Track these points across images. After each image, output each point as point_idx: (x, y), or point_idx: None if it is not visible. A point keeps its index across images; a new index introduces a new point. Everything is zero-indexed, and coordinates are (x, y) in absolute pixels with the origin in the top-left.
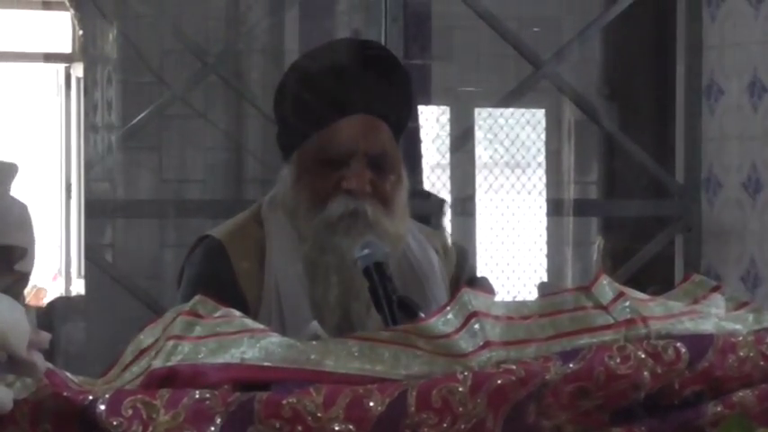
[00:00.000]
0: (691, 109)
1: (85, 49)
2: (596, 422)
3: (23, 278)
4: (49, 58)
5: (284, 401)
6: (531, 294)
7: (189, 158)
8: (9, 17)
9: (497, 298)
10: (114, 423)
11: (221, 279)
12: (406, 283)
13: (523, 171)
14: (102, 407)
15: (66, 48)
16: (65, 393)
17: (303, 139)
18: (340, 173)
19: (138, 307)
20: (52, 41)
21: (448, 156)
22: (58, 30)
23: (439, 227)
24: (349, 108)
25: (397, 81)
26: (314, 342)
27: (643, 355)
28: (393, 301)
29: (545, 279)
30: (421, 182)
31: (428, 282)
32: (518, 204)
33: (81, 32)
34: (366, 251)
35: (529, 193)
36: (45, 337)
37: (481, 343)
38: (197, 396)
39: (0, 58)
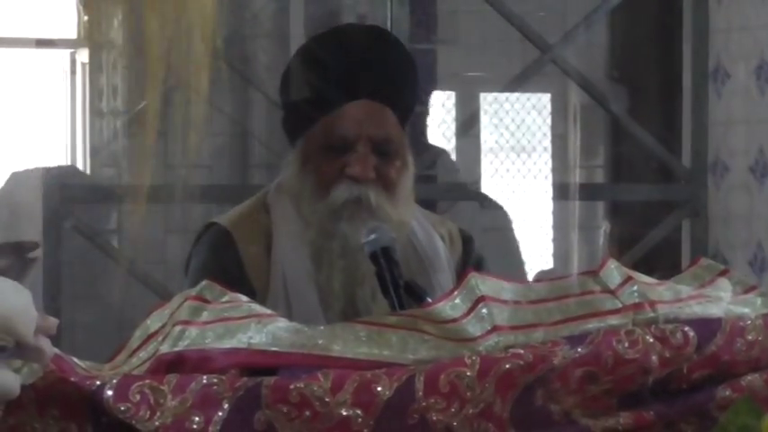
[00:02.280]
0: (697, 93)
1: (91, 35)
2: (604, 406)
3: (27, 261)
4: (54, 43)
5: (292, 386)
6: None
7: (194, 144)
8: (14, 2)
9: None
10: (122, 408)
11: (228, 266)
12: (412, 269)
13: (529, 155)
14: (110, 392)
15: (72, 33)
16: (72, 379)
17: (308, 125)
18: (344, 158)
19: (144, 292)
20: (57, 27)
21: (453, 140)
22: (63, 15)
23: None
24: (354, 93)
25: (403, 66)
26: (321, 327)
27: (651, 340)
28: (400, 285)
29: (551, 264)
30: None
31: (433, 268)
32: (524, 189)
33: (86, 18)
34: (373, 236)
35: (535, 177)
36: (52, 322)
37: (489, 327)
38: (204, 381)
39: (5, 43)
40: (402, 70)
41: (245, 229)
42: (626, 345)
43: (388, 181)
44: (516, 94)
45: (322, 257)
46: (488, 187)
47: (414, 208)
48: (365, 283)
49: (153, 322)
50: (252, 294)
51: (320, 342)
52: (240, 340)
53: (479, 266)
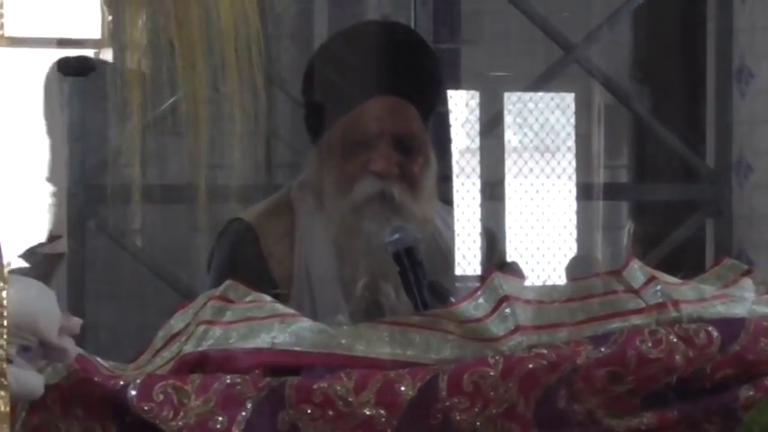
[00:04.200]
0: (721, 92)
1: (114, 35)
2: (628, 406)
3: (54, 260)
4: (78, 43)
5: (315, 386)
6: (561, 279)
7: (218, 143)
8: (37, 3)
9: (527, 283)
10: (146, 408)
11: (251, 261)
12: (435, 266)
13: (553, 155)
14: (134, 392)
15: (96, 33)
16: (96, 379)
17: (331, 122)
18: (367, 154)
19: (168, 292)
20: (81, 27)
21: (477, 140)
22: (87, 15)
23: None
24: (376, 90)
25: (425, 63)
26: (345, 327)
27: (675, 339)
28: (423, 285)
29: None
30: (450, 166)
31: (456, 265)
32: (547, 189)
33: (110, 18)
34: (396, 236)
35: (558, 177)
36: (76, 322)
37: (512, 327)
38: (228, 381)
39: (28, 43)
40: (424, 66)
41: (269, 225)
42: (649, 344)
43: (412, 177)
44: (540, 94)
45: (345, 254)
46: (512, 187)
47: (437, 205)
48: (389, 281)
49: (177, 322)
50: (274, 289)
51: (343, 342)
52: (264, 340)
53: (503, 265)
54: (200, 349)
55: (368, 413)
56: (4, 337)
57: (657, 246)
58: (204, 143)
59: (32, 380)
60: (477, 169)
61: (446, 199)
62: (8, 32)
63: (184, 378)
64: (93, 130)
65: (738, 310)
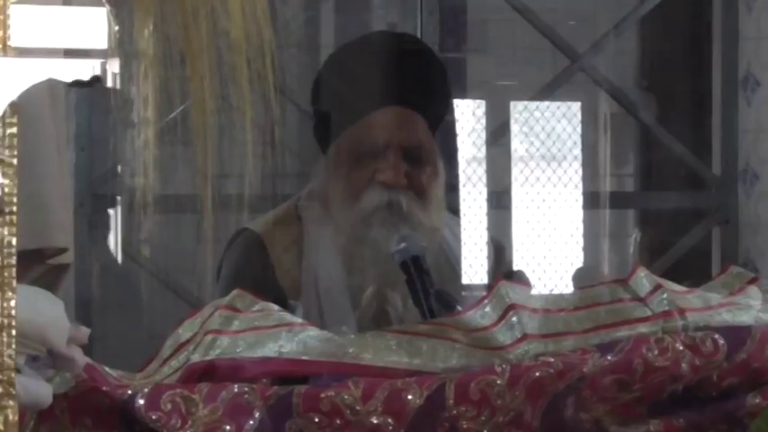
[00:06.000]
0: (727, 101)
1: (121, 45)
2: (634, 414)
3: (61, 270)
4: (85, 53)
5: (323, 395)
6: (568, 287)
7: (226, 153)
8: (46, 14)
9: (534, 291)
10: (153, 417)
11: (259, 271)
12: (443, 276)
13: (559, 164)
14: (142, 401)
15: (103, 43)
16: (104, 388)
17: (339, 132)
18: (375, 165)
19: (175, 302)
20: (88, 37)
21: (484, 149)
22: (95, 25)
23: None
24: (384, 100)
25: (433, 73)
26: (352, 335)
27: (681, 347)
28: (430, 294)
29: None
30: (457, 175)
31: (463, 274)
32: (554, 197)
33: (117, 28)
34: (403, 245)
35: (565, 185)
36: (84, 332)
37: (519, 336)
38: (236, 390)
39: (36, 53)
40: (432, 77)
41: (277, 235)
42: (656, 352)
43: (420, 187)
44: (546, 103)
45: (353, 263)
46: (518, 196)
47: (445, 214)
48: (396, 289)
49: (184, 331)
50: (282, 300)
51: (350, 350)
52: (271, 349)
53: (510, 273)
54: (207, 358)
55: (375, 421)
56: (13, 346)
57: (664, 254)
58: (212, 154)
59: (41, 389)
60: (484, 178)
61: (453, 208)
62: (15, 43)
63: (192, 387)
64: (100, 140)
65: (745, 318)
